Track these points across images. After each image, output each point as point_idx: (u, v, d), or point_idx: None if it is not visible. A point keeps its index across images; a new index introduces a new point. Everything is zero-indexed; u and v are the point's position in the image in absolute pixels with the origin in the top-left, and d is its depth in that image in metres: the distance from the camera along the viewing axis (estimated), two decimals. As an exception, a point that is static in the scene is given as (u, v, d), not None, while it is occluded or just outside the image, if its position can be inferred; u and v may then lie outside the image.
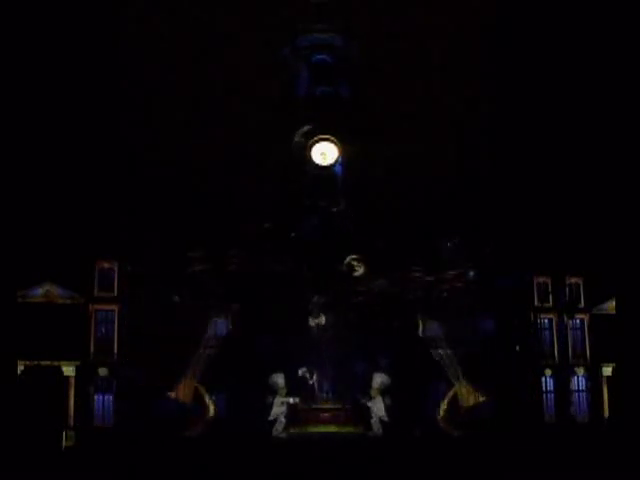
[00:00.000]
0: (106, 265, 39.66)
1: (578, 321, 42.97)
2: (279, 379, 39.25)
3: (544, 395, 42.09)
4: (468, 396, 39.66)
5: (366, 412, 39.36)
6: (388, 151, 39.86)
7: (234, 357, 38.76)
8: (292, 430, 38.79)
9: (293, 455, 31.45)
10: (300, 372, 39.49)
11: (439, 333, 39.98)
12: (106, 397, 38.96)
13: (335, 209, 41.31)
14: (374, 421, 39.11)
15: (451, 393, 39.81)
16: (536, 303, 42.31)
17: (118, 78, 40.43)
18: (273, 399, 39.05)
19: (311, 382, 39.58)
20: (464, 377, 39.59)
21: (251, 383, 38.63)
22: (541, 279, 42.80)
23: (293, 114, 41.44)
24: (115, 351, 39.26)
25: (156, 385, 38.41)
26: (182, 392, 38.59)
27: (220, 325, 40.13)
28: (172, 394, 38.39)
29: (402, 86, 41.07)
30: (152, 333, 38.27)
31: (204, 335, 39.45)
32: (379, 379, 39.53)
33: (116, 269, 39.72)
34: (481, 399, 39.44)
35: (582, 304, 42.93)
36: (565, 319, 41.53)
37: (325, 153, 41.74)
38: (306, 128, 40.63)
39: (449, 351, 39.69)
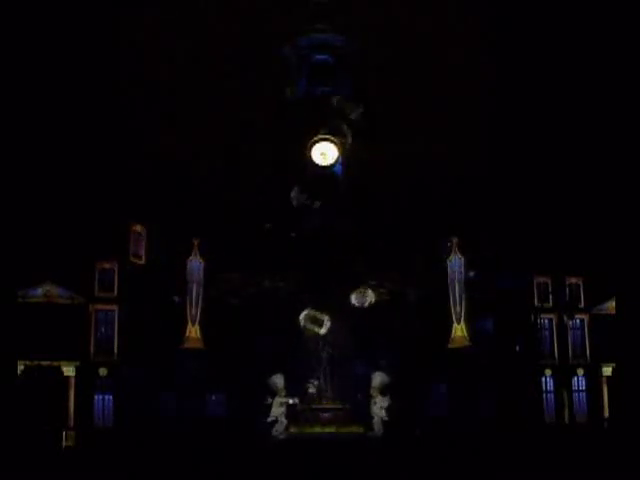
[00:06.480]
0: (106, 265, 39.68)
1: (578, 321, 42.99)
2: (278, 380, 39.23)
3: (544, 395, 42.12)
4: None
5: (366, 412, 39.36)
6: (388, 151, 39.82)
7: (234, 357, 38.86)
8: (292, 430, 38.78)
9: (293, 455, 31.42)
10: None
11: None
12: (106, 397, 38.97)
13: (335, 209, 41.29)
14: (374, 421, 39.08)
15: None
16: (536, 303, 42.31)
17: (119, 78, 40.41)
18: (272, 400, 39.03)
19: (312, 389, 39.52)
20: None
21: (251, 383, 38.65)
22: (541, 279, 42.82)
23: (292, 114, 41.40)
24: (115, 351, 39.28)
25: (155, 384, 38.51)
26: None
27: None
28: None
29: (402, 86, 41.01)
30: (152, 333, 38.39)
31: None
32: (379, 378, 39.53)
33: (116, 269, 39.74)
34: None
35: (582, 304, 42.95)
36: (565, 319, 41.53)
37: (325, 153, 41.68)
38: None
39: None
